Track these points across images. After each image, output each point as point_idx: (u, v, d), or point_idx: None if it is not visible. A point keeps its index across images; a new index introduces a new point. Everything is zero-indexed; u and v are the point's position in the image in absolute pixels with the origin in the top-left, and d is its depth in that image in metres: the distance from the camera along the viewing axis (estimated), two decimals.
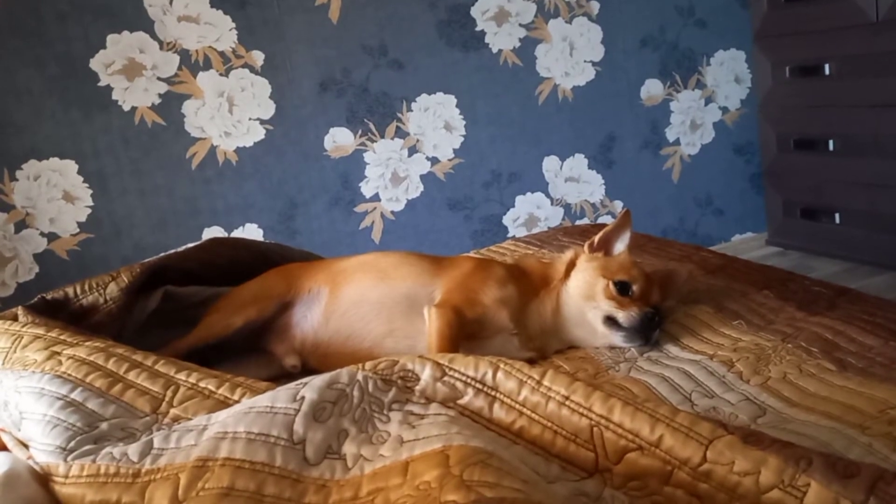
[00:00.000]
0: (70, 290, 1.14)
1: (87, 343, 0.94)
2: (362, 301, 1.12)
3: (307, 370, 1.11)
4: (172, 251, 1.28)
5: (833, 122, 2.49)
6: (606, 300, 1.10)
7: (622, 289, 1.10)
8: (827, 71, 2.45)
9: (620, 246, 1.19)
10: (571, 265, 1.17)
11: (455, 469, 0.64)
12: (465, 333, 1.06)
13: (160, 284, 1.25)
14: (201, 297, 1.28)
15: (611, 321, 1.09)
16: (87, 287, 1.14)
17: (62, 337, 0.96)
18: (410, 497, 0.65)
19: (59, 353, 0.91)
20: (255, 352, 1.18)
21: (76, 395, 0.85)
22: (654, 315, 1.09)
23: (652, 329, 1.09)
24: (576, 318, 1.12)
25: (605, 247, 1.19)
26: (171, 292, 1.25)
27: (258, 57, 2.23)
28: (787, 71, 2.60)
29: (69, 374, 0.88)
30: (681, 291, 1.23)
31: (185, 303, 1.26)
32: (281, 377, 1.10)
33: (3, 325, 1.01)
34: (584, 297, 1.12)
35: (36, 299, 1.12)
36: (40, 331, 0.98)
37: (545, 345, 1.13)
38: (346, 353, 1.10)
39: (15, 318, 1.06)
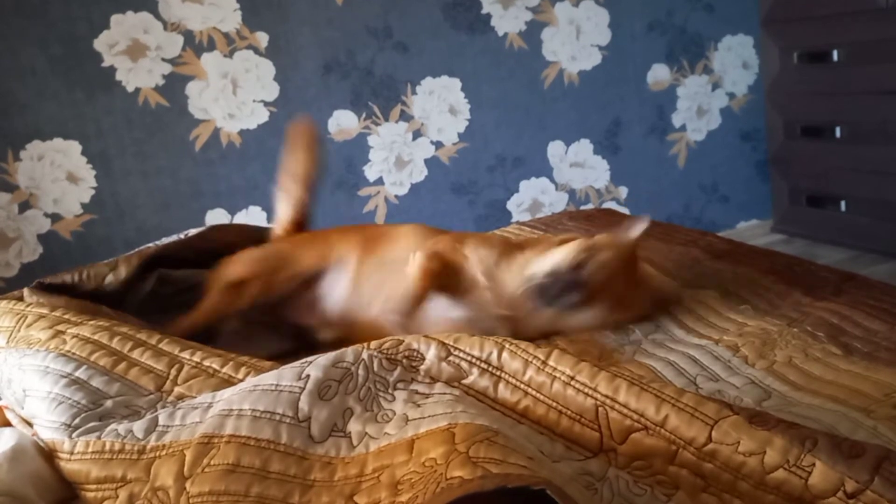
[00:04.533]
0: (68, 278, 1.13)
1: (91, 322, 0.94)
2: (374, 270, 1.13)
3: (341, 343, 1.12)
4: (172, 239, 1.28)
5: (840, 109, 2.47)
6: (554, 262, 1.04)
7: (563, 291, 1.04)
8: (835, 57, 2.43)
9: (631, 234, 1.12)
10: (564, 242, 1.10)
11: (461, 446, 0.64)
12: (444, 281, 1.06)
13: (156, 269, 1.24)
14: (194, 281, 1.28)
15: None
16: (84, 277, 1.13)
17: (66, 316, 0.96)
18: (416, 474, 0.65)
19: (63, 332, 0.92)
20: (266, 326, 1.18)
21: (80, 374, 0.85)
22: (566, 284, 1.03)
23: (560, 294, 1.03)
24: (523, 275, 1.07)
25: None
26: (164, 275, 1.25)
27: (262, 38, 2.22)
28: (795, 57, 2.58)
29: (73, 353, 0.88)
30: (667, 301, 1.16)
31: (179, 286, 1.26)
32: (299, 351, 1.11)
33: (7, 305, 1.01)
34: (545, 261, 1.06)
35: (33, 284, 1.12)
36: (44, 310, 0.98)
37: (519, 309, 1.07)
38: (366, 322, 1.10)
39: (20, 299, 1.06)
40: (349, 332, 1.10)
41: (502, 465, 0.60)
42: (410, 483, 0.64)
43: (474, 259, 1.09)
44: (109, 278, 1.13)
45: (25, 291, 1.08)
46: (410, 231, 1.20)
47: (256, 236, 1.36)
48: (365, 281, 1.14)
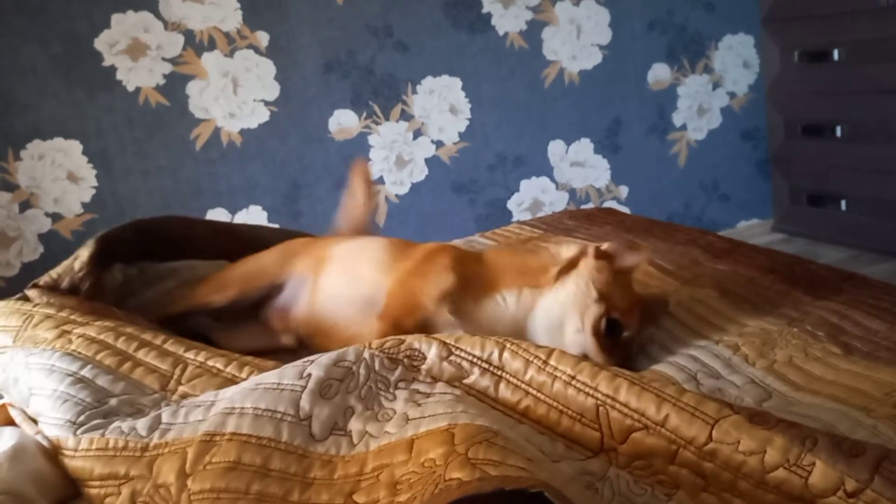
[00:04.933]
0: (46, 279, 1.12)
1: (96, 322, 0.95)
2: (332, 295, 1.09)
3: (305, 348, 1.12)
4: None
5: (841, 108, 2.47)
6: (591, 335, 0.96)
7: (613, 329, 0.97)
8: (836, 56, 2.43)
9: (629, 262, 1.04)
10: (572, 265, 1.02)
11: (460, 447, 0.64)
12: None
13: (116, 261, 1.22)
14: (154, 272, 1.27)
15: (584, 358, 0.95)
16: (55, 275, 1.12)
17: (72, 316, 0.97)
18: (415, 474, 0.65)
19: (69, 332, 0.92)
20: (252, 320, 1.17)
21: (86, 372, 0.85)
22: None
23: None
24: (547, 327, 0.99)
25: (612, 258, 1.04)
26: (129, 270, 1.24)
27: (263, 38, 2.22)
28: (796, 56, 2.58)
29: (79, 352, 0.88)
30: (658, 318, 1.10)
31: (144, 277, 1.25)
32: (279, 351, 1.12)
33: (14, 305, 1.01)
34: (573, 311, 0.98)
35: (35, 285, 1.10)
36: (51, 310, 0.98)
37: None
38: (332, 343, 1.05)
39: (25, 299, 1.06)
40: (315, 344, 1.08)
41: (501, 467, 0.60)
42: (409, 483, 0.64)
43: (436, 305, 0.99)
44: (76, 265, 1.11)
45: (33, 293, 1.07)
46: (369, 258, 1.11)
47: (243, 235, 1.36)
48: (320, 305, 1.09)
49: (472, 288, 1.01)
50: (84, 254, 1.13)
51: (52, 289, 1.09)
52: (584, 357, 0.94)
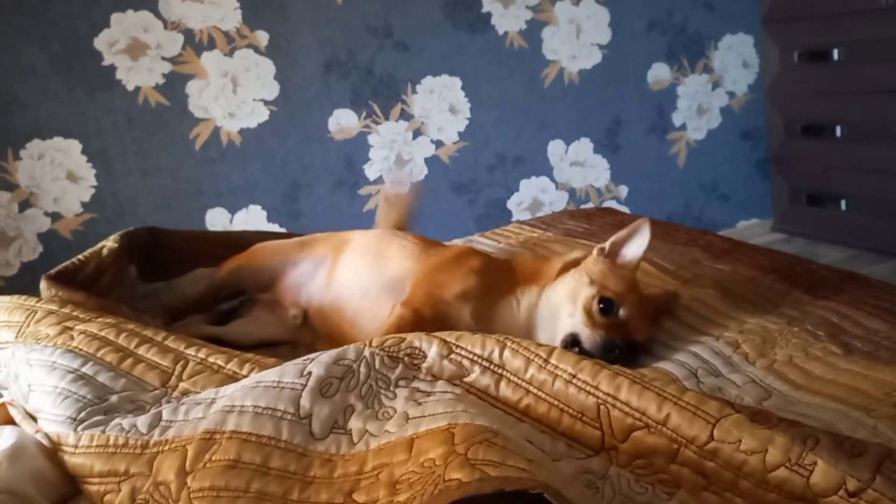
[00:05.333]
0: (69, 265, 1.14)
1: (98, 319, 0.95)
2: (349, 274, 1.15)
3: (308, 328, 1.17)
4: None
5: (841, 108, 2.47)
6: (582, 311, 0.98)
7: (606, 307, 0.98)
8: (835, 56, 2.43)
9: (630, 254, 1.08)
10: (574, 264, 1.07)
11: (460, 447, 0.64)
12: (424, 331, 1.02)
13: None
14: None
15: (573, 339, 0.98)
16: (82, 257, 1.16)
17: (75, 313, 0.97)
18: (415, 474, 0.65)
19: (71, 329, 0.92)
20: (259, 307, 1.22)
21: (87, 369, 0.86)
22: (619, 350, 0.96)
23: (611, 361, 0.88)
24: (547, 318, 1.02)
25: (614, 254, 1.08)
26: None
27: (262, 37, 2.22)
28: (796, 56, 2.58)
29: (81, 349, 0.88)
30: (674, 313, 1.12)
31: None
32: (282, 345, 1.14)
33: (18, 300, 1.02)
34: (567, 298, 1.01)
35: (52, 274, 1.12)
36: (54, 306, 0.99)
37: None
38: (340, 319, 1.11)
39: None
40: (322, 324, 1.13)
41: (500, 468, 0.60)
42: (409, 483, 0.64)
43: (458, 302, 1.02)
44: (105, 252, 1.17)
45: (43, 283, 1.08)
46: (394, 244, 1.15)
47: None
48: (336, 283, 1.15)
49: (492, 293, 1.05)
50: (111, 245, 1.19)
51: (71, 276, 1.10)
52: (574, 339, 0.98)
